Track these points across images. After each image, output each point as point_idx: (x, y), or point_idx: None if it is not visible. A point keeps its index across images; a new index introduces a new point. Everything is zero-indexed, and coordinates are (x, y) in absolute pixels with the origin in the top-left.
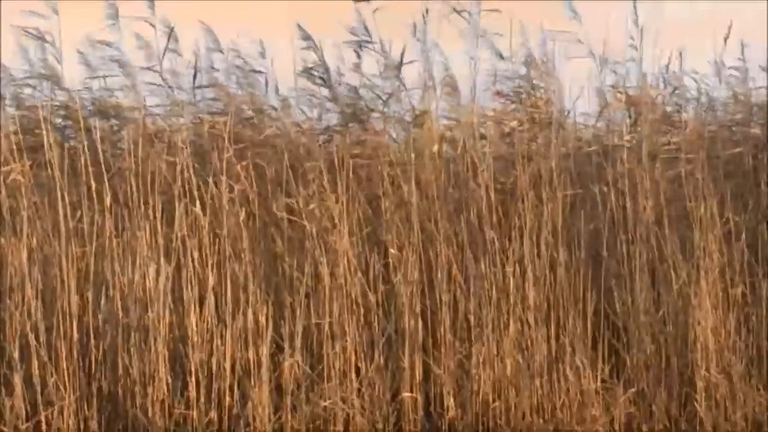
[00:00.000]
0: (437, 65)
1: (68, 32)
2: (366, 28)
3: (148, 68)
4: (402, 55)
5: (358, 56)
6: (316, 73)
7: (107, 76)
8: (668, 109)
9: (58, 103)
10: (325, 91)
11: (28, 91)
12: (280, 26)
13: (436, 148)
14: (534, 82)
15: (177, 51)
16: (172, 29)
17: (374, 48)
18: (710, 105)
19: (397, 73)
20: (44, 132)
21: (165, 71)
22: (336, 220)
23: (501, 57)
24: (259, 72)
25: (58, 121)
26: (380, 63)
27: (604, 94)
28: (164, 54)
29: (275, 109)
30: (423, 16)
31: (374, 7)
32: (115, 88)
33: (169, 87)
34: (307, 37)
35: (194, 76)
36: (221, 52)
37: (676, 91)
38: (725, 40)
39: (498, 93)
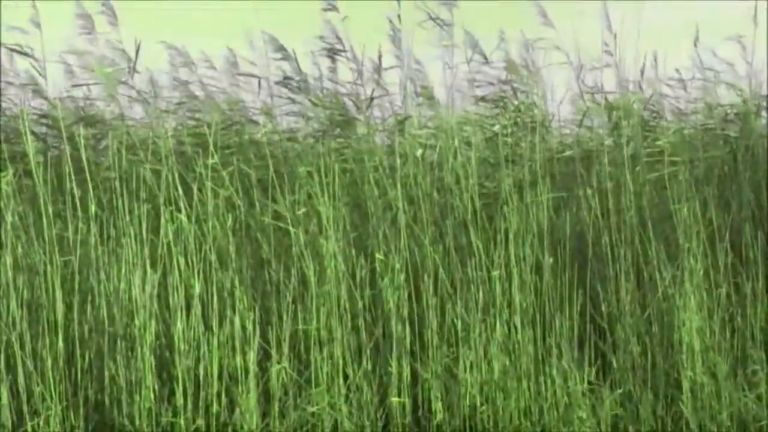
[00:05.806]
0: (413, 70)
1: (49, 36)
2: (338, 36)
3: (123, 82)
4: (380, 59)
5: (333, 61)
6: (294, 83)
7: (85, 84)
8: (645, 114)
9: (40, 112)
10: (303, 99)
11: (5, 102)
12: (244, 35)
13: (420, 152)
14: (515, 86)
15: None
16: (139, 45)
17: (347, 56)
18: (688, 109)
19: (378, 78)
20: (26, 141)
21: (143, 81)
22: (324, 225)
23: (485, 59)
24: (251, 75)
25: (41, 129)
26: (354, 70)
27: (583, 100)
28: (134, 67)
29: (261, 112)
30: (398, 19)
31: (343, 15)
32: (96, 97)
33: (146, 100)
34: (280, 47)
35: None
36: (192, 65)
37: (653, 96)
38: (695, 43)
39: (481, 99)
